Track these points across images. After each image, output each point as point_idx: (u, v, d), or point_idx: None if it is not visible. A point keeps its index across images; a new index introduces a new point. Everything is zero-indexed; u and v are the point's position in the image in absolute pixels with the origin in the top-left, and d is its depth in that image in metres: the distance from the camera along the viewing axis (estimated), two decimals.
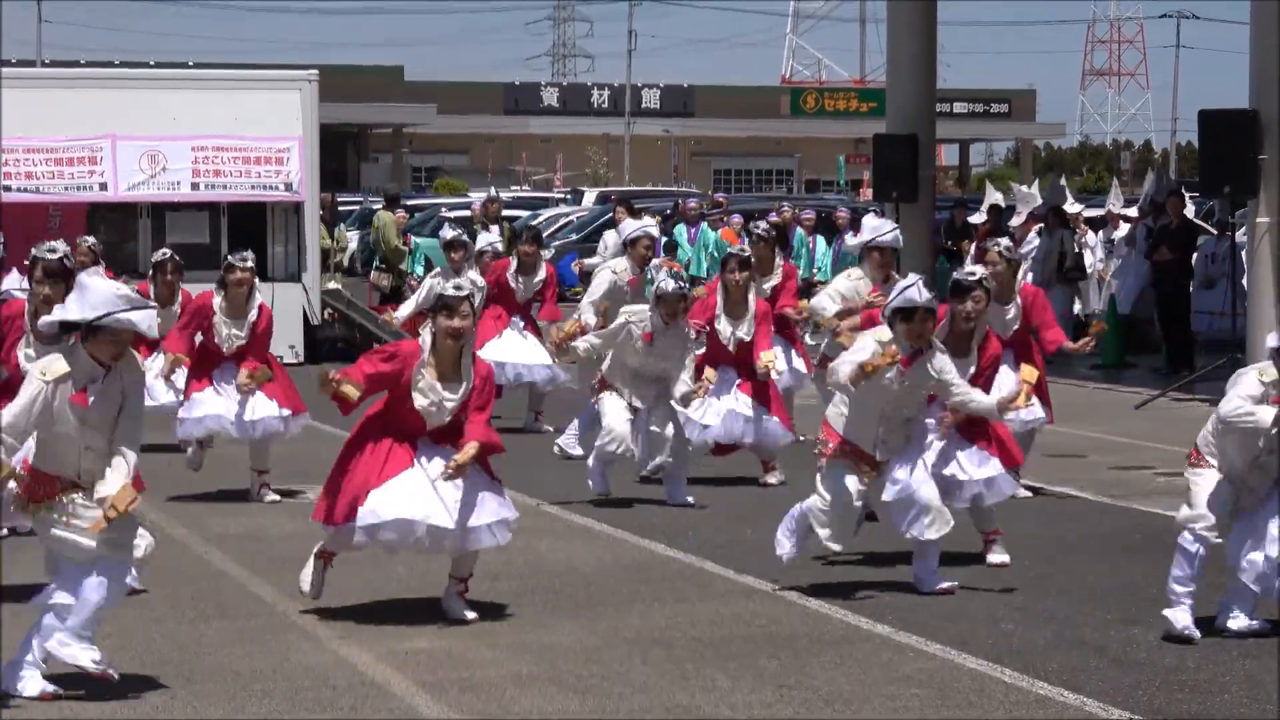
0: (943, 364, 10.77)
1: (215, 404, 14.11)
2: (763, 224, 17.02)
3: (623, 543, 12.53)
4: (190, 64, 62.65)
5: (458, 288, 10.11)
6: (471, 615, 10.19)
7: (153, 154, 24.13)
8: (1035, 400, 13.78)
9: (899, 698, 8.73)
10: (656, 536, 12.63)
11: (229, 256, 14.37)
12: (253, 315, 14.05)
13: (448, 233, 18.34)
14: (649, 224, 16.84)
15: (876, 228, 14.39)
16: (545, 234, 35.47)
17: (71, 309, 8.62)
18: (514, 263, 17.95)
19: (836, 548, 10.96)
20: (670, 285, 13.49)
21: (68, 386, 8.60)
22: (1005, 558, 11.65)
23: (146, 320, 8.60)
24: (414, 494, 10.01)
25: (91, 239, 18.22)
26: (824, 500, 10.78)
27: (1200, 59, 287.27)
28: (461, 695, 8.74)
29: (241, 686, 8.85)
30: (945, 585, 10.84)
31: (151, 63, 61.42)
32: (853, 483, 10.73)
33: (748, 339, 14.31)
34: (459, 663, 9.28)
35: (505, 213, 27.82)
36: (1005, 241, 14.27)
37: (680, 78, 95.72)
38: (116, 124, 24.07)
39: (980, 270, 11.88)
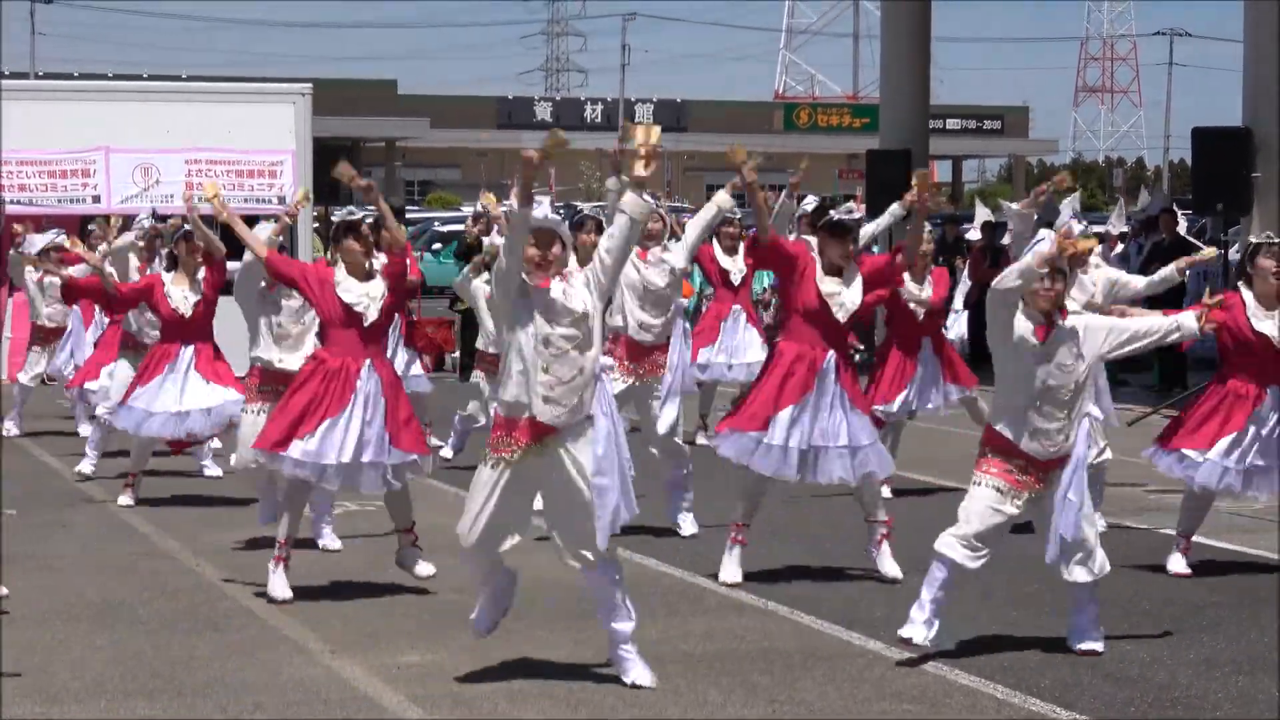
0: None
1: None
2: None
3: None
4: (184, 77, 62.74)
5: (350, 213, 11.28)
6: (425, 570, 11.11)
7: (146, 167, 24.14)
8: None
9: (891, 714, 8.72)
10: (648, 551, 12.62)
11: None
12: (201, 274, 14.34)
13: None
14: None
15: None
16: None
17: None
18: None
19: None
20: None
21: None
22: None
23: None
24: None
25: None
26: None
27: (1193, 77, 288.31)
28: (453, 709, 8.73)
29: (233, 700, 8.83)
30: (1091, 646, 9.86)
31: (145, 75, 61.41)
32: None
33: None
34: (450, 675, 9.26)
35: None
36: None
37: (674, 92, 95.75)
38: (110, 137, 24.09)
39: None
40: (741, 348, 17.76)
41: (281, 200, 24.51)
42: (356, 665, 9.44)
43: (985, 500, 9.66)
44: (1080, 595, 9.88)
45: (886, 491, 14.72)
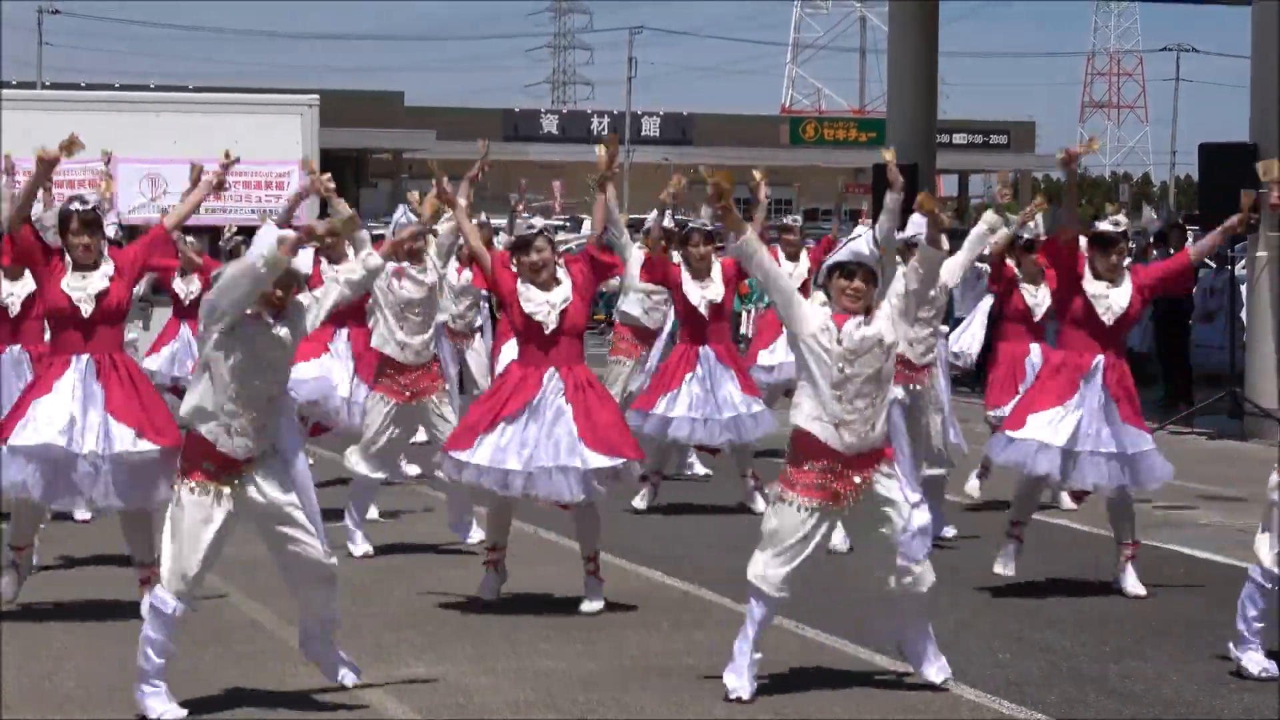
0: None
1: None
2: None
3: (620, 570, 12.50)
4: (191, 87, 62.73)
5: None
6: None
7: (153, 177, 24.17)
8: None
9: None
10: (654, 564, 12.62)
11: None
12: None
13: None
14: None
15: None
16: None
17: None
18: None
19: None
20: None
21: None
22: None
23: None
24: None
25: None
26: None
27: (1200, 92, 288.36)
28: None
29: (238, 711, 8.83)
30: None
31: (152, 86, 61.43)
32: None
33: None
34: (455, 689, 9.26)
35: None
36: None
37: (680, 106, 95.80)
38: (117, 146, 24.06)
39: None
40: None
41: None
42: (362, 677, 9.44)
43: None
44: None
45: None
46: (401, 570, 12.36)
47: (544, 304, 10.82)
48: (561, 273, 10.93)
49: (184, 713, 8.60)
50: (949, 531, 13.51)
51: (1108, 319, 11.48)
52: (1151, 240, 25.60)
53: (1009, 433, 11.61)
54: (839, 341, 8.97)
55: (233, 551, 12.77)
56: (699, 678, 9.48)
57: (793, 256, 17.76)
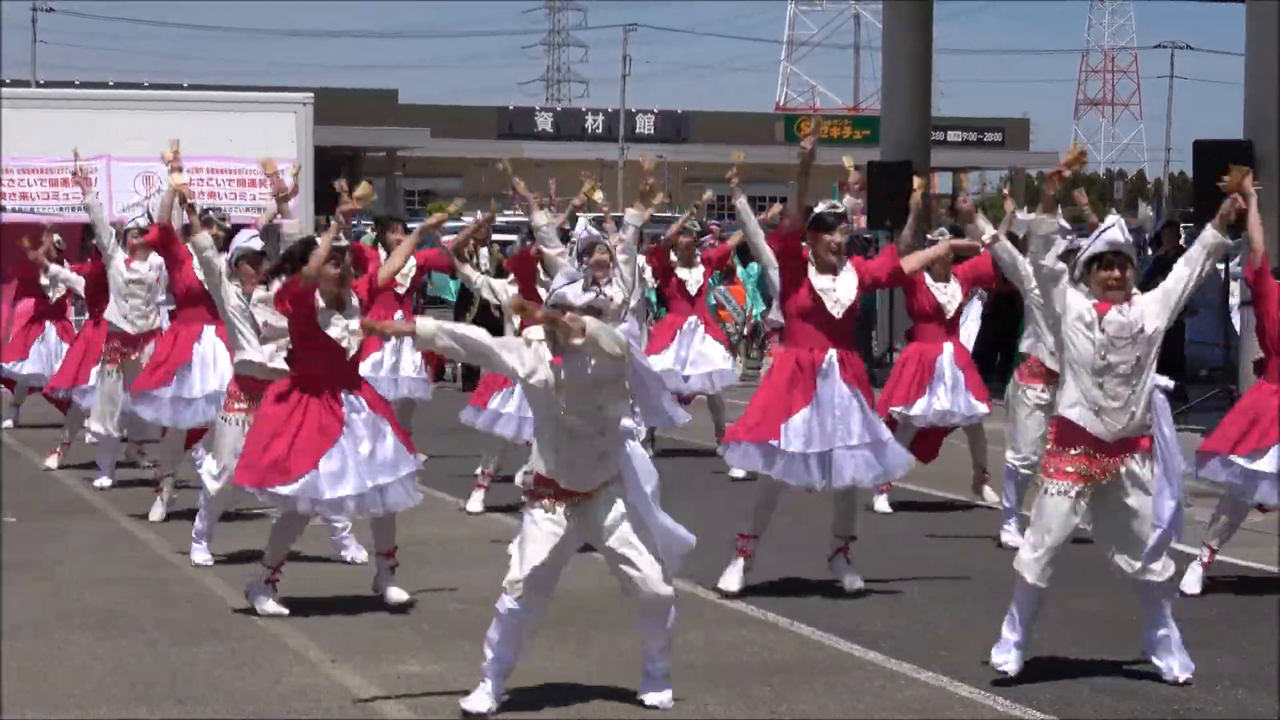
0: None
1: None
2: None
3: None
4: (185, 86, 62.71)
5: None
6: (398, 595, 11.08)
7: (148, 175, 24.16)
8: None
9: None
10: None
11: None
12: None
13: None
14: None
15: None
16: None
17: None
18: None
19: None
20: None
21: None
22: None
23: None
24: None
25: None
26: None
27: (1194, 90, 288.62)
28: (453, 719, 8.73)
29: (234, 708, 8.84)
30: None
31: (146, 84, 61.40)
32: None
33: None
34: (451, 687, 9.26)
35: (496, 237, 27.73)
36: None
37: (674, 104, 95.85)
38: (111, 145, 24.11)
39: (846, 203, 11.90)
40: (700, 358, 17.77)
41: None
42: (357, 674, 9.45)
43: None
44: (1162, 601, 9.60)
45: (885, 505, 14.70)
46: (398, 569, 12.33)
47: None
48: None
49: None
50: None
51: (836, 311, 11.32)
52: (1148, 239, 25.60)
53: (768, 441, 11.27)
54: (1101, 329, 9.25)
55: (227, 548, 12.81)
56: (694, 675, 9.48)
57: (687, 262, 17.81)
